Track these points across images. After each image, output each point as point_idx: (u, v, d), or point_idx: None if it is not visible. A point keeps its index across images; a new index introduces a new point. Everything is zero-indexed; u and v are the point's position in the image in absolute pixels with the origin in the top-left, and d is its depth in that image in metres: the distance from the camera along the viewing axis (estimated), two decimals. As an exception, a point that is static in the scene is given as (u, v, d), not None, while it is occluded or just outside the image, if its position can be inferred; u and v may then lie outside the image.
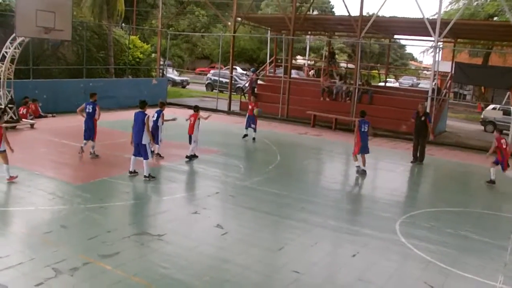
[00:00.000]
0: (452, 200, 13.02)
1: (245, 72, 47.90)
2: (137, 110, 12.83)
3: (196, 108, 15.51)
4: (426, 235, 9.92)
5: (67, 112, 22.54)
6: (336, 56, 41.65)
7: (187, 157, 15.04)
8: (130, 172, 12.75)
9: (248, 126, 19.55)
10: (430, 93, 22.70)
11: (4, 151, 11.66)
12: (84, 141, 14.71)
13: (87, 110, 14.77)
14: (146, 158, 12.53)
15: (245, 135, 19.75)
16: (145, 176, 12.52)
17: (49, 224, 9.26)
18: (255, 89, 29.93)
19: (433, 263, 8.48)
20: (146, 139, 12.49)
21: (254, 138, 19.47)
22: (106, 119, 17.11)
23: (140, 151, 12.59)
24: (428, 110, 20.01)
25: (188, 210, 10.46)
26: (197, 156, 15.24)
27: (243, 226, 9.79)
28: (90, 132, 14.68)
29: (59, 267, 7.34)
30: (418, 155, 17.41)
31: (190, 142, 15.18)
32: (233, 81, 31.01)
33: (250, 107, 19.67)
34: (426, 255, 8.77)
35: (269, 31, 35.32)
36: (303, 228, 9.87)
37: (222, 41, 32.69)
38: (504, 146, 14.59)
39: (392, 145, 21.10)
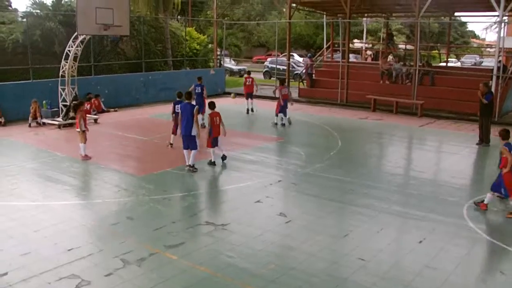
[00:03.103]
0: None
1: (302, 58, 47.55)
2: (184, 102, 12.80)
3: (213, 106, 13.45)
4: (495, 219, 9.57)
5: (129, 106, 23.10)
6: (395, 37, 40.75)
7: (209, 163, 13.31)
8: (189, 166, 12.57)
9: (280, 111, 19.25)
10: (495, 71, 21.80)
11: (84, 131, 13.48)
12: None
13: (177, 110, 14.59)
14: (195, 148, 12.47)
15: (276, 123, 19.43)
16: (190, 166, 12.51)
17: (116, 216, 9.50)
18: (313, 75, 29.64)
19: (505, 249, 8.16)
20: (195, 130, 12.40)
21: (283, 124, 19.33)
22: (167, 111, 17.31)
23: (189, 143, 12.51)
24: (493, 90, 19.15)
25: (251, 199, 10.44)
26: (214, 163, 13.36)
27: (306, 214, 9.71)
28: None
29: (127, 258, 7.50)
30: (481, 136, 16.80)
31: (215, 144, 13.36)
32: (291, 68, 30.83)
33: (283, 92, 19.19)
34: (497, 240, 8.44)
35: (324, 16, 34.84)
36: (368, 214, 9.69)
37: (278, 28, 32.53)
38: None
39: (456, 127, 20.42)
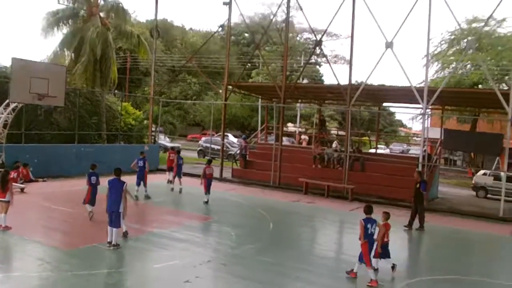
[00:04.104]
0: (447, 268, 12.83)
1: (236, 139, 48.15)
2: (112, 178, 12.43)
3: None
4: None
5: (59, 177, 22.45)
6: (327, 123, 42.17)
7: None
8: (109, 243, 12.03)
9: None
10: (421, 160, 22.82)
11: (8, 201, 12.96)
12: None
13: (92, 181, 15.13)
14: (118, 226, 12.12)
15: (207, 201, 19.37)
16: (112, 244, 11.96)
17: (37, 292, 9.00)
18: (247, 156, 30.00)
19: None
20: (122, 207, 12.11)
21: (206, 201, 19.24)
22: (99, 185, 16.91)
23: (113, 219, 12.07)
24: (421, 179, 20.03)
25: (180, 279, 10.16)
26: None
27: (236, 295, 9.55)
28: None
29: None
30: (411, 221, 17.37)
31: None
32: (225, 148, 31.13)
33: (207, 171, 19.43)
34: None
35: (260, 99, 35.81)
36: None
37: (214, 109, 33.11)
38: None
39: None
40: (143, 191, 19.18)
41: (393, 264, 11.58)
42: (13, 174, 19.34)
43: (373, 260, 11.06)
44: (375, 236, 11.00)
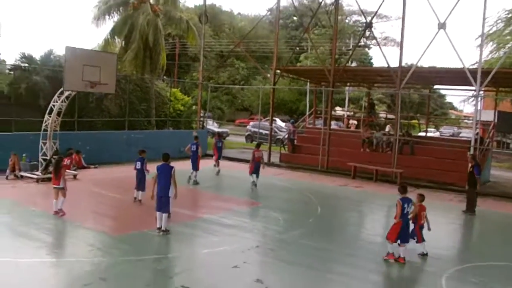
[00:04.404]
0: (499, 254, 12.52)
1: (284, 123, 48.05)
2: (161, 163, 12.53)
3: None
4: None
5: (110, 163, 22.93)
6: (376, 106, 41.54)
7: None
8: (159, 229, 12.19)
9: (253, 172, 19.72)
10: (473, 143, 22.25)
11: (63, 188, 13.35)
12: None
13: (137, 167, 15.49)
14: (167, 211, 12.22)
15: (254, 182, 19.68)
16: (162, 230, 12.13)
17: (89, 276, 9.25)
18: (295, 140, 29.93)
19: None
20: (172, 192, 12.25)
21: (256, 184, 19.55)
22: (150, 171, 17.16)
23: (162, 205, 12.18)
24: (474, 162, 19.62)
25: (228, 264, 10.25)
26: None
27: (283, 281, 9.58)
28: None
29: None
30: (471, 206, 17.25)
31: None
32: (273, 133, 31.13)
33: (256, 155, 19.81)
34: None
35: (308, 83, 35.58)
36: (345, 282, 9.59)
37: (262, 93, 33.06)
38: None
39: (436, 196, 20.58)
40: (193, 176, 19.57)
41: (426, 252, 11.55)
42: (66, 161, 19.91)
43: (419, 245, 11.34)
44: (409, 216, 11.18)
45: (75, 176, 19.38)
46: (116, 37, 31.41)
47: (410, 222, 11.27)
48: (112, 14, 31.16)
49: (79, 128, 23.68)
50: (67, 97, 18.62)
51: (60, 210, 13.31)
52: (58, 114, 18.84)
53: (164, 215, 12.18)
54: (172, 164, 12.57)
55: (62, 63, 20.77)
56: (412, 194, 11.97)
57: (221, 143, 23.34)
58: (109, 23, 31.15)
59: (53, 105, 18.73)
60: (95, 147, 23.10)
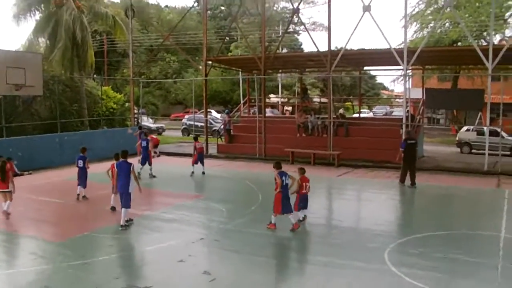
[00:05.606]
0: (437, 224, 13.05)
1: (219, 114, 48.03)
2: (120, 161, 12.93)
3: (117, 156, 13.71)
4: (416, 261, 9.86)
5: (44, 168, 22.26)
6: (309, 91, 42.11)
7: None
8: (122, 226, 12.47)
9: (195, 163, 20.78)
10: (404, 120, 22.97)
11: (10, 191, 13.81)
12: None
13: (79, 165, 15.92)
14: (128, 206, 12.53)
15: (193, 172, 20.76)
16: (121, 226, 12.43)
17: (33, 285, 8.99)
18: (231, 130, 29.97)
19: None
20: (131, 187, 12.56)
21: (203, 172, 20.80)
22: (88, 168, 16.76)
23: (123, 200, 12.54)
24: (403, 137, 20.36)
25: (173, 259, 10.19)
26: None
27: (231, 271, 9.62)
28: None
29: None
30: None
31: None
32: (208, 124, 31.06)
33: (197, 146, 20.94)
34: (418, 282, 8.67)
35: (240, 72, 35.64)
36: (293, 266, 9.75)
37: (195, 85, 32.88)
38: None
39: (373, 174, 21.17)
40: (147, 170, 20.06)
41: (305, 216, 13.07)
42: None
43: (295, 213, 12.38)
44: (289, 186, 12.30)
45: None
46: (40, 36, 30.40)
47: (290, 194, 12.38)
48: (33, 12, 30.10)
49: (8, 134, 22.80)
50: (-9, 103, 17.93)
51: (6, 212, 13.53)
52: (-16, 121, 18.13)
53: (123, 210, 12.50)
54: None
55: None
56: (351, 175, 12.31)
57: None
58: (31, 21, 30.12)
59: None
60: (27, 153, 22.35)
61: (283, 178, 12.14)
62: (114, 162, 13.60)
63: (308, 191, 12.88)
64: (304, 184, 12.77)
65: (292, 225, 12.00)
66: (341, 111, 33.98)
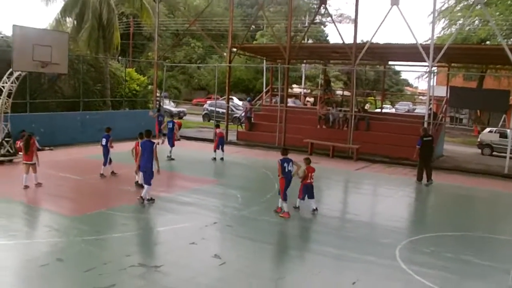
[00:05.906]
0: (452, 224, 12.96)
1: (241, 102, 48.03)
2: (144, 140, 13.41)
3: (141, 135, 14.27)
4: (427, 260, 9.82)
5: (65, 145, 22.55)
6: (332, 84, 41.87)
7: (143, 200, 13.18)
8: (142, 198, 13.04)
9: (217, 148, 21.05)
10: (426, 118, 22.76)
11: (34, 163, 14.47)
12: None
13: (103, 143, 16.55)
14: (149, 184, 13.01)
15: (214, 158, 21.00)
16: (144, 199, 12.98)
17: (45, 257, 9.15)
18: (252, 118, 30.00)
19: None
20: (155, 165, 13.06)
21: (222, 158, 21.02)
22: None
23: (146, 176, 13.11)
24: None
25: (186, 241, 10.30)
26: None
27: (241, 256, 9.68)
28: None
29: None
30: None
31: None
32: (230, 111, 31.12)
33: (218, 131, 21.51)
34: (427, 281, 8.64)
35: (264, 61, 35.59)
36: (303, 256, 9.78)
37: (218, 72, 32.86)
38: None
39: (390, 170, 21.06)
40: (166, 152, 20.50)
41: (316, 208, 13.08)
42: (19, 144, 19.53)
43: (297, 200, 13.11)
44: (292, 173, 12.64)
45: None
46: (67, 16, 30.67)
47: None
48: (61, -8, 30.37)
49: (31, 110, 23.10)
50: (17, 78, 18.13)
51: (39, 183, 14.45)
52: (8, 95, 18.35)
53: (146, 186, 13.00)
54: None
55: (10, 42, 20.19)
56: (369, 170, 12.27)
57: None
58: (60, 2, 30.41)
59: (2, 87, 18.22)
60: (49, 129, 22.63)
61: (285, 164, 12.49)
62: (139, 140, 14.04)
63: (312, 181, 13.10)
64: (309, 174, 13.02)
65: (276, 208, 12.73)
66: (367, 106, 33.81)
